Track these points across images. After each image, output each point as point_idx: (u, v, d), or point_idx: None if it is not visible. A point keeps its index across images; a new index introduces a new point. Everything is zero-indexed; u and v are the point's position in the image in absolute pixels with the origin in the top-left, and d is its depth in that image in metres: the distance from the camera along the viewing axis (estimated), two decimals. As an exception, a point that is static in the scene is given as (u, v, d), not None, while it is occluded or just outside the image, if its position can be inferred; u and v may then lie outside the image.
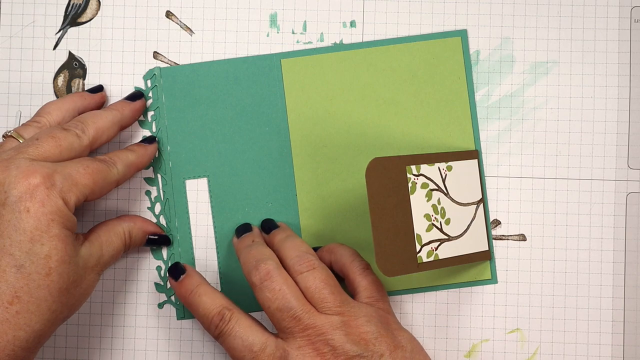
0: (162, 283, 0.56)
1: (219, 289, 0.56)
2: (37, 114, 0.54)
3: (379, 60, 0.56)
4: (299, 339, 0.48)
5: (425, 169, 0.50)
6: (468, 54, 0.56)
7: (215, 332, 0.50)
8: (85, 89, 0.57)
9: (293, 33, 0.57)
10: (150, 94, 0.56)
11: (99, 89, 0.56)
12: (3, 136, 0.52)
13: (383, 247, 0.47)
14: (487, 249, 0.54)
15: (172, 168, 0.56)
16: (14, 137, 0.51)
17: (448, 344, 0.56)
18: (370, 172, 0.47)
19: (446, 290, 0.56)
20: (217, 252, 0.56)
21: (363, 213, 0.56)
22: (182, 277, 0.53)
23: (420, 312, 0.56)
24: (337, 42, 0.57)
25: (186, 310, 0.56)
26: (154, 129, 0.56)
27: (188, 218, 0.56)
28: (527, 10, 0.56)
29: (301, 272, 0.50)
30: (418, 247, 0.49)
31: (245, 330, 0.49)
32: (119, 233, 0.52)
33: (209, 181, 0.56)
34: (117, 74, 0.57)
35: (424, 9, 0.56)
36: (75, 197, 0.48)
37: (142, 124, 0.56)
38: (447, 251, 0.51)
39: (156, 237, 0.55)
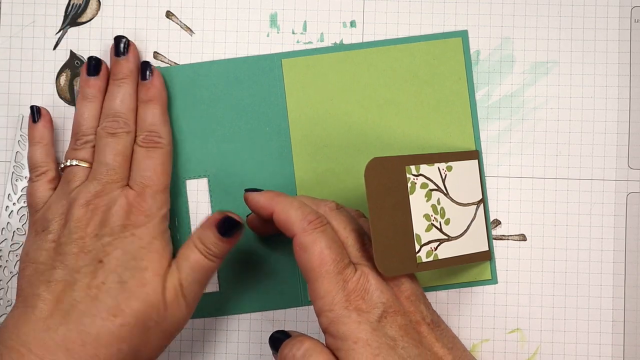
0: None
1: (218, 290, 0.56)
2: (79, 132, 0.54)
3: (380, 61, 0.56)
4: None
5: (424, 169, 0.50)
6: (469, 54, 0.56)
7: (309, 227, 0.46)
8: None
9: (293, 33, 0.57)
10: None
11: (97, 65, 0.55)
12: (64, 167, 0.54)
13: (382, 247, 0.47)
14: (487, 249, 0.54)
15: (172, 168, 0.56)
16: (80, 165, 0.53)
17: (448, 344, 0.56)
18: (369, 172, 0.47)
19: (446, 291, 0.56)
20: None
21: (364, 213, 0.56)
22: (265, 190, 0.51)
23: (420, 312, 0.56)
24: (337, 42, 0.57)
25: None
26: None
27: (188, 218, 0.56)
28: (527, 10, 0.56)
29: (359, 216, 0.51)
30: (417, 247, 0.50)
31: (337, 239, 0.47)
32: (190, 246, 0.51)
33: (209, 181, 0.56)
34: (118, 74, 0.57)
35: (424, 9, 0.56)
36: (166, 207, 0.52)
37: None
38: (446, 251, 0.51)
39: (225, 222, 0.51)
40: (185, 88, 0.56)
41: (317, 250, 0.46)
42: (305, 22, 0.57)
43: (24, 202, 0.57)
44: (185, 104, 0.56)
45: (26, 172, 0.57)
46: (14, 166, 0.57)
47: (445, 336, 0.48)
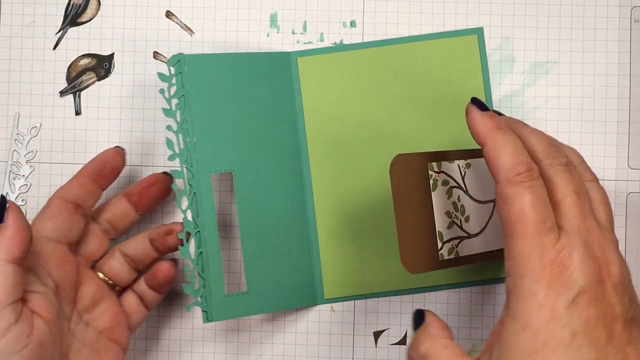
0: (189, 283, 0.52)
1: (245, 290, 0.53)
2: None
3: (395, 59, 0.56)
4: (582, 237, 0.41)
5: (445, 166, 0.50)
6: (484, 52, 0.56)
7: (515, 178, 0.42)
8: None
9: (293, 33, 0.57)
10: (173, 81, 0.52)
11: None
12: None
13: (407, 244, 0.47)
14: (503, 247, 0.54)
15: (198, 160, 0.52)
16: None
17: (448, 344, 0.56)
18: (394, 169, 0.47)
19: (446, 291, 0.56)
20: (244, 252, 0.53)
21: (380, 212, 0.55)
22: (490, 111, 0.45)
23: (420, 312, 0.56)
24: (337, 42, 0.57)
25: (214, 313, 0.51)
26: (178, 118, 0.52)
27: (214, 214, 0.52)
28: (527, 10, 0.56)
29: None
30: (440, 245, 0.49)
31: (545, 197, 0.42)
32: None
33: (234, 176, 0.53)
34: (118, 74, 0.57)
35: (424, 9, 0.56)
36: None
37: (167, 112, 0.52)
38: (466, 249, 0.51)
39: None
40: (209, 78, 0.53)
41: (517, 206, 0.41)
42: (305, 22, 0.57)
43: (22, 200, 0.57)
44: (210, 95, 0.53)
45: (23, 171, 0.57)
46: (11, 165, 0.57)
47: None
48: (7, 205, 0.46)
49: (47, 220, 0.50)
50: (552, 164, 0.43)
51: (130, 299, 0.54)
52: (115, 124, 0.57)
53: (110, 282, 0.53)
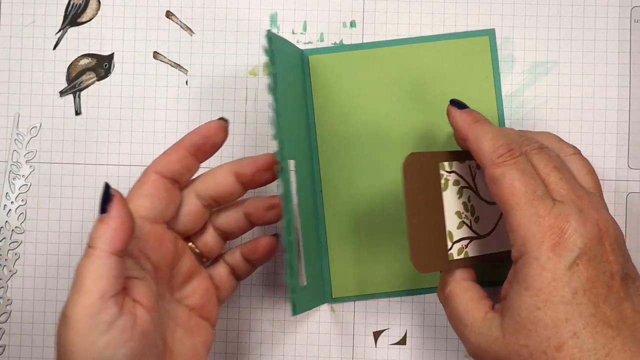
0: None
1: (305, 284, 0.51)
2: None
3: (407, 58, 0.56)
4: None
5: (457, 166, 0.50)
6: (496, 53, 0.56)
7: (499, 160, 0.45)
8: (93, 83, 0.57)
9: (293, 33, 0.57)
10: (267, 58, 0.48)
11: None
12: None
13: (417, 243, 0.47)
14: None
15: (284, 143, 0.47)
16: None
17: (448, 344, 0.56)
18: (407, 167, 0.47)
19: (446, 291, 0.56)
20: (303, 245, 0.51)
21: (390, 211, 0.55)
22: (468, 109, 0.49)
23: (420, 312, 0.56)
24: (337, 42, 0.57)
25: (297, 305, 0.48)
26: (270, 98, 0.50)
27: (292, 202, 0.49)
28: (527, 10, 0.56)
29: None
30: (449, 244, 0.49)
31: (531, 170, 0.45)
32: None
33: (295, 166, 0.51)
34: (118, 74, 0.57)
35: (424, 9, 0.56)
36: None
37: (270, 89, 0.47)
38: (476, 249, 0.50)
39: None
40: (282, 62, 0.50)
41: (506, 183, 0.44)
42: (305, 22, 0.57)
43: (22, 200, 0.57)
44: (284, 79, 0.50)
45: (23, 171, 0.57)
46: (11, 165, 0.57)
47: (638, 295, 0.43)
48: (112, 194, 0.43)
49: (144, 199, 0.47)
50: (527, 151, 0.46)
51: (221, 271, 0.52)
52: (115, 124, 0.57)
53: (200, 255, 0.51)
